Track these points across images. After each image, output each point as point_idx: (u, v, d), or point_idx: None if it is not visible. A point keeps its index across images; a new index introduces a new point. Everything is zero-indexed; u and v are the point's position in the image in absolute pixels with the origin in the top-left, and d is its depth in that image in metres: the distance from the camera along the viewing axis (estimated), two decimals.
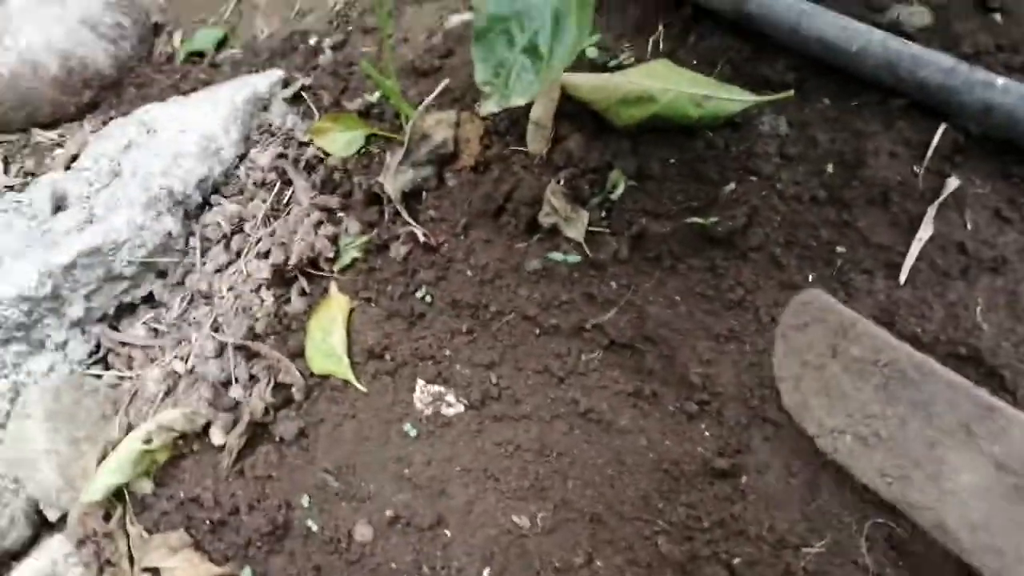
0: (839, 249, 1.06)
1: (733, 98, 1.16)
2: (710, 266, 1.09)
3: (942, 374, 0.75)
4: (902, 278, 1.03)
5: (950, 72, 1.09)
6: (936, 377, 0.75)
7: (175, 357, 1.24)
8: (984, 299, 1.00)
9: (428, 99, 1.40)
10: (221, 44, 1.97)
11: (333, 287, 1.22)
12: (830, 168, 1.11)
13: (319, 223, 1.27)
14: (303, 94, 1.57)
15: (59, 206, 1.39)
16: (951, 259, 1.02)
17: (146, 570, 1.04)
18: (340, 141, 1.38)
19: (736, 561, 0.91)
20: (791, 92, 1.13)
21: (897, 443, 0.79)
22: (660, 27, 1.36)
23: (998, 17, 1.33)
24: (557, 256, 1.11)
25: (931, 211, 1.04)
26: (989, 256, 1.02)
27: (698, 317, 1.06)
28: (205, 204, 1.41)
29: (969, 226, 1.03)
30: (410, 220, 1.22)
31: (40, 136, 1.80)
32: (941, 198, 1.05)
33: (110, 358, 1.28)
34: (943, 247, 1.03)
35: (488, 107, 0.93)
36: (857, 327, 0.88)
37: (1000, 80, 1.07)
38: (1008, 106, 1.05)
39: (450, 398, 1.08)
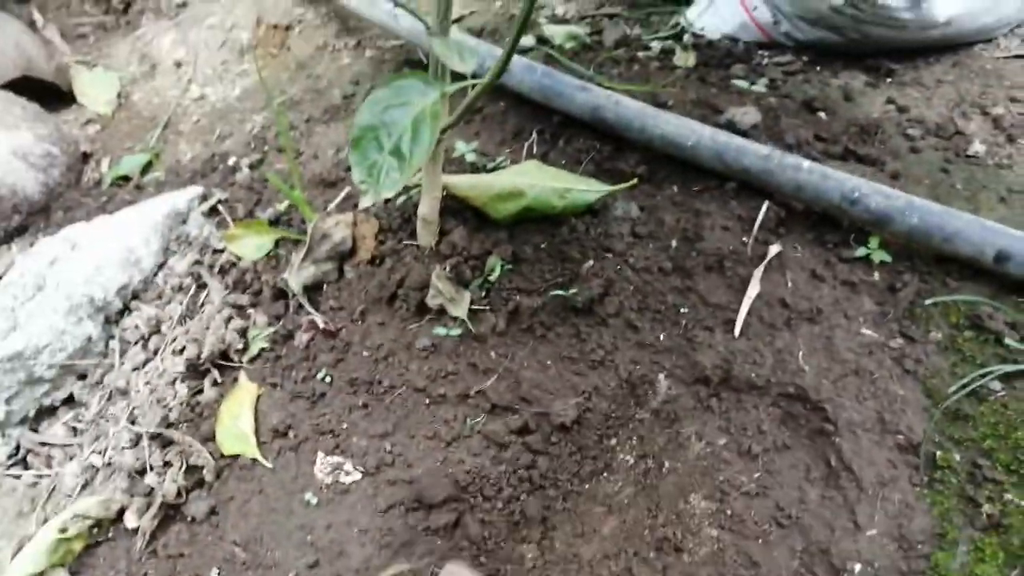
0: (683, 310, 1.22)
1: (590, 189, 1.34)
2: (575, 332, 1.23)
3: None
4: (736, 331, 1.18)
5: (766, 158, 1.29)
6: None
7: (93, 452, 1.31)
8: (805, 345, 1.16)
9: (331, 205, 1.56)
10: (146, 168, 2.12)
11: (242, 376, 1.33)
12: (674, 243, 1.28)
13: (229, 318, 1.39)
14: (219, 207, 1.72)
15: None
16: (776, 313, 1.19)
17: None
18: (251, 245, 1.52)
19: None
20: (634, 181, 1.31)
21: None
22: (534, 133, 1.55)
23: (822, 115, 1.56)
24: (442, 331, 1.24)
25: (757, 273, 1.21)
26: (807, 308, 1.18)
27: (566, 377, 1.20)
28: (125, 309, 1.51)
29: (790, 284, 1.20)
30: (311, 310, 1.35)
31: None
32: (765, 262, 1.22)
33: (29, 458, 1.34)
34: (769, 303, 1.19)
35: (365, 201, 1.07)
36: None
37: (806, 163, 1.27)
38: (813, 183, 1.24)
39: (348, 467, 1.18)
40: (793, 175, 1.26)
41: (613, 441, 1.16)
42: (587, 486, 1.14)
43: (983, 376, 1.10)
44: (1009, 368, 1.09)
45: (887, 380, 1.13)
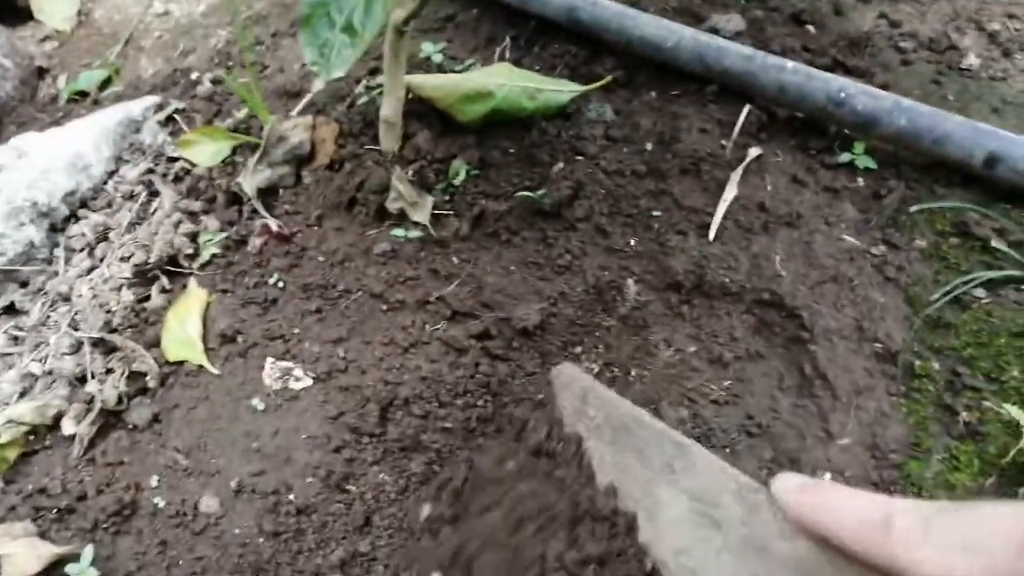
0: (656, 214, 1.15)
1: (562, 89, 1.26)
2: (542, 237, 1.16)
3: (650, 423, 0.83)
4: (711, 235, 1.12)
5: (749, 59, 1.21)
6: (646, 426, 0.82)
7: (32, 360, 1.24)
8: (783, 250, 1.10)
9: (293, 112, 1.48)
10: (105, 84, 2.01)
11: (192, 282, 1.26)
12: (649, 146, 1.21)
13: (179, 223, 1.31)
14: (176, 117, 1.63)
15: None
16: (753, 217, 1.12)
17: None
18: (206, 152, 1.43)
19: None
20: (609, 78, 1.24)
21: (624, 488, 0.82)
22: (507, 39, 1.47)
23: (811, 28, 1.48)
24: (401, 233, 1.17)
25: (735, 176, 1.15)
26: (786, 213, 1.12)
27: (531, 283, 1.13)
28: (72, 216, 1.43)
29: (769, 188, 1.14)
30: (265, 214, 1.27)
31: None
32: (743, 164, 1.15)
33: None
34: (747, 207, 1.13)
35: (317, 84, 1.00)
36: (594, 391, 0.91)
37: (790, 63, 1.20)
38: (796, 84, 1.18)
39: (298, 372, 1.11)
40: (776, 76, 1.19)
41: (578, 348, 1.10)
42: None
43: (967, 283, 1.04)
44: (994, 274, 1.04)
45: (867, 287, 1.07)
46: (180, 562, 1.00)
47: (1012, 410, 0.93)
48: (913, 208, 1.12)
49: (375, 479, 1.03)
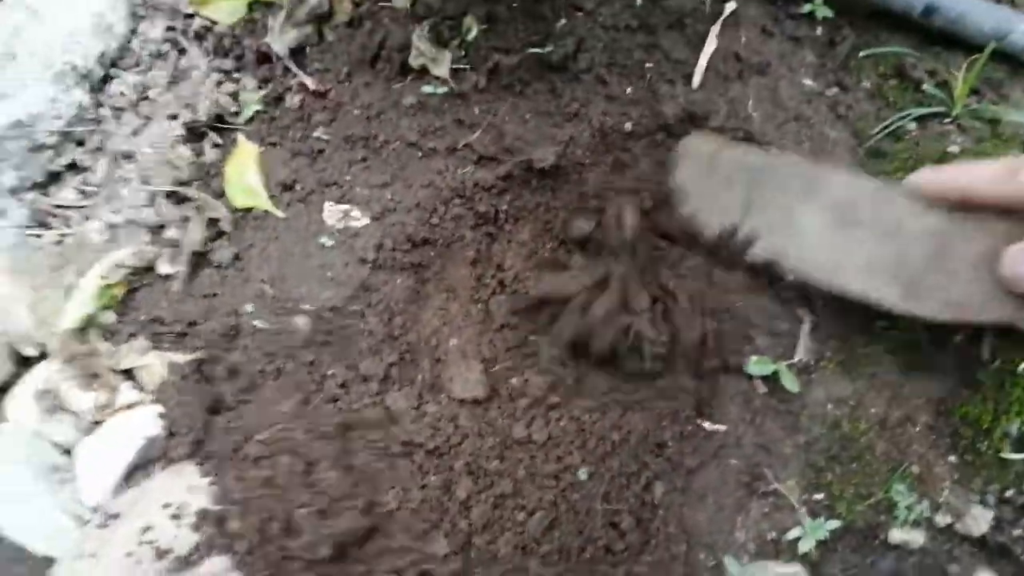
0: (648, 65, 1.35)
1: None
2: (551, 88, 1.36)
3: (787, 159, 1.11)
4: (695, 83, 1.33)
5: None
6: (783, 163, 1.09)
7: (110, 212, 1.42)
8: (754, 95, 1.32)
9: None
10: None
11: (241, 137, 1.43)
12: (639, 2, 1.38)
13: (219, 83, 1.46)
14: None
15: None
16: (730, 66, 1.33)
17: (124, 372, 1.28)
18: (224, 9, 1.54)
19: None
20: None
21: (764, 217, 1.09)
22: None
23: None
24: (428, 89, 1.36)
25: (714, 30, 1.34)
26: (757, 62, 1.33)
27: (544, 130, 1.35)
28: (107, 77, 1.55)
29: (743, 39, 1.34)
30: (299, 72, 1.43)
31: None
32: (721, 19, 1.34)
33: (48, 220, 1.45)
34: (725, 58, 1.33)
35: None
36: (723, 149, 1.19)
37: None
38: None
39: (355, 213, 1.33)
40: None
41: (586, 183, 1.34)
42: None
43: (902, 118, 1.29)
44: (923, 111, 1.28)
45: (822, 124, 1.31)
46: (287, 366, 1.27)
47: None
48: (862, 53, 1.33)
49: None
